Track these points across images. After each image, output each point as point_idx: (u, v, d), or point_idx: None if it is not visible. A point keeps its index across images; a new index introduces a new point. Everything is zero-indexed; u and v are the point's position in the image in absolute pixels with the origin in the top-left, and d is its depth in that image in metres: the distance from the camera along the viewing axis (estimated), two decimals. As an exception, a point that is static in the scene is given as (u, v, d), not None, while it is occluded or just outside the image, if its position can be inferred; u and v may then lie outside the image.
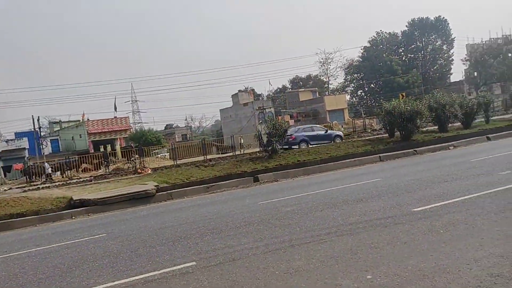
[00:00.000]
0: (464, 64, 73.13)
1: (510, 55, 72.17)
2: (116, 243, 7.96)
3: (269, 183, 15.78)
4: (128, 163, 24.88)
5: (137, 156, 24.99)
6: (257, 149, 23.20)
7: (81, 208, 13.78)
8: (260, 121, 45.94)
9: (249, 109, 52.91)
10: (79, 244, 8.42)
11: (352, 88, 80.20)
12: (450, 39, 75.27)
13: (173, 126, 74.44)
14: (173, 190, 15.36)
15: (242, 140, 28.66)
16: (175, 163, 21.81)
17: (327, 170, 17.03)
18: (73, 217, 13.26)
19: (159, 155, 32.57)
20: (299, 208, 8.91)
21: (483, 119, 24.78)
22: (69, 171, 25.31)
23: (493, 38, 78.97)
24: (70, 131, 48.87)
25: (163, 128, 70.94)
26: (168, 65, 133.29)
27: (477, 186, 8.43)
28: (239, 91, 63.17)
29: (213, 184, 15.92)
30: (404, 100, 23.22)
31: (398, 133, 21.27)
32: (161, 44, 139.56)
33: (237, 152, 24.45)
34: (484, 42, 74.90)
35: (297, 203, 9.73)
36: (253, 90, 73.52)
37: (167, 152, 30.14)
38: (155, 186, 15.25)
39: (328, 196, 10.09)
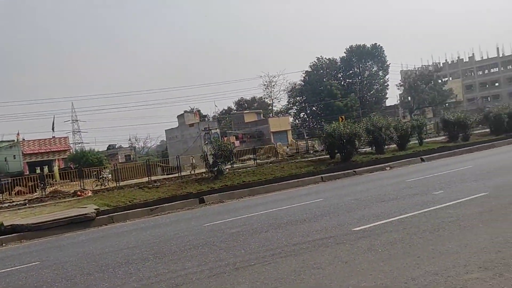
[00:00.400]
0: (398, 89, 77.73)
1: (439, 81, 77.65)
2: (50, 271, 7.51)
3: (215, 204, 15.67)
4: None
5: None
6: (203, 170, 23.04)
7: (13, 235, 12.87)
8: (206, 142, 45.70)
9: (195, 129, 52.60)
10: (9, 273, 7.84)
11: (295, 111, 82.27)
12: (385, 65, 79.73)
13: (116, 147, 72.14)
14: (115, 213, 14.79)
15: (194, 160, 28.26)
16: (118, 184, 21.10)
17: (272, 190, 17.21)
18: (3, 244, 12.36)
19: (101, 177, 31.31)
20: (244, 230, 8.92)
21: (416, 141, 26.24)
22: (0, 195, 23.66)
23: (425, 65, 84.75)
24: (3, 152, 45.89)
25: (106, 149, 68.52)
26: (111, 84, 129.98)
27: (413, 205, 8.87)
28: (185, 111, 62.68)
29: (157, 206, 15.53)
30: (343, 122, 24.14)
31: (339, 154, 22.00)
32: (108, 62, 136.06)
33: (184, 173, 24.13)
34: (416, 68, 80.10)
35: (242, 224, 9.73)
36: (199, 111, 73.29)
37: (110, 174, 29.13)
38: (95, 209, 14.62)
39: (273, 217, 10.18)
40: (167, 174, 27.16)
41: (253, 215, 10.99)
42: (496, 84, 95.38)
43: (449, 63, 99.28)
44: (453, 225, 6.61)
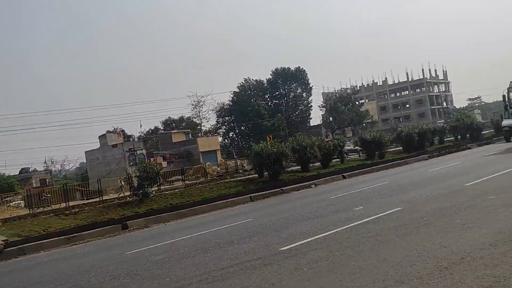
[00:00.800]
0: (321, 110, 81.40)
1: (357, 103, 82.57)
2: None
3: (139, 229, 15.10)
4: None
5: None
6: (128, 193, 22.17)
7: None
8: (131, 163, 44.17)
9: (118, 150, 50.61)
10: None
11: (224, 130, 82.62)
12: (308, 87, 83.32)
13: (30, 170, 67.15)
14: (27, 244, 13.66)
15: (123, 182, 26.72)
16: (31, 212, 19.59)
17: (201, 212, 16.99)
18: None
19: (11, 203, 28.89)
20: (170, 256, 8.66)
21: (338, 159, 27.45)
22: None
23: (343, 88, 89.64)
24: None
25: (18, 173, 63.49)
26: (26, 104, 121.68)
27: (336, 222, 9.19)
28: (108, 131, 60.25)
29: (75, 234, 14.60)
30: (271, 142, 24.66)
31: (267, 173, 22.35)
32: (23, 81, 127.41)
33: (106, 197, 23.03)
34: (336, 91, 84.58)
35: (168, 250, 9.45)
36: (123, 131, 70.87)
37: (22, 200, 26.98)
38: (3, 241, 13.40)
39: (201, 240, 10.02)
40: (86, 199, 25.77)
41: (180, 240, 10.74)
42: (407, 105, 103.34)
43: (365, 86, 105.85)
44: (372, 240, 6.94)
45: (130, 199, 19.76)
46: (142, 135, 74.41)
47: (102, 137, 54.21)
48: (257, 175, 23.55)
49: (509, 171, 13.17)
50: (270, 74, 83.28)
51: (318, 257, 6.48)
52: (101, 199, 21.50)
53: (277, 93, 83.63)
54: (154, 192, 20.48)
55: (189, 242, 10.03)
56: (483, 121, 56.40)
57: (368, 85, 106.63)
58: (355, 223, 8.69)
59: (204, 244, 9.37)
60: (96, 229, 15.20)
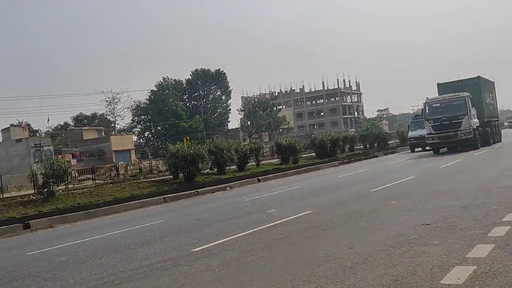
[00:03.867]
0: (239, 113, 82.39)
1: (275, 108, 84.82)
2: None
3: (43, 229, 14.08)
4: None
5: None
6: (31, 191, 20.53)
7: None
8: (37, 160, 41.07)
9: (23, 146, 46.81)
10: None
11: (140, 130, 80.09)
12: (228, 90, 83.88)
13: None
14: None
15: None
16: None
17: (112, 212, 16.27)
18: None
19: None
20: (76, 257, 8.19)
21: (254, 163, 27.93)
22: None
23: (262, 93, 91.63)
24: None
25: None
26: None
27: (249, 224, 9.33)
28: (12, 125, 55.48)
29: (-33, 234, 13.23)
30: (188, 143, 24.39)
31: (182, 174, 22.04)
32: None
33: (7, 195, 21.12)
34: (255, 96, 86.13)
35: (73, 251, 8.92)
36: (28, 125, 65.70)
37: None
38: None
39: (110, 241, 9.60)
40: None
41: (87, 240, 10.19)
42: (322, 113, 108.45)
43: (283, 92, 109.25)
44: (283, 242, 7.15)
45: (34, 198, 18.34)
46: (50, 130, 69.56)
47: (4, 131, 49.84)
48: (172, 176, 23.13)
49: (411, 178, 14.34)
50: (190, 75, 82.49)
51: (229, 258, 6.53)
52: (1, 197, 19.69)
53: (196, 94, 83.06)
54: (61, 191, 19.27)
55: (97, 243, 9.56)
56: (390, 131, 60.81)
57: (286, 91, 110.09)
58: (267, 225, 8.90)
59: (112, 245, 8.98)
60: (-7, 229, 13.90)
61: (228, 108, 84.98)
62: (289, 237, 7.46)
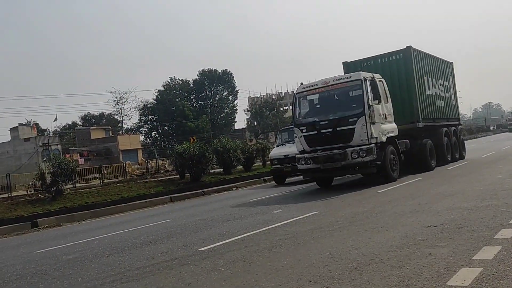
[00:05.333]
0: (246, 114, 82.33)
1: (281, 109, 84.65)
2: None
3: (51, 228, 14.22)
4: None
5: None
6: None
7: None
8: (45, 159, 41.48)
9: (31, 145, 47.33)
10: None
11: (147, 129, 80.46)
12: (234, 91, 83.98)
13: None
14: None
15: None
16: None
17: (119, 211, 16.41)
18: None
19: None
20: (83, 255, 8.26)
21: (260, 163, 27.94)
22: None
23: (269, 93, 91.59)
24: None
25: None
26: None
27: (255, 224, 9.35)
28: (20, 124, 56.03)
29: (-24, 232, 13.40)
30: (194, 143, 24.49)
31: (189, 174, 22.13)
32: None
33: (15, 194, 21.35)
34: (262, 96, 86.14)
35: (81, 249, 9.00)
36: (37, 124, 66.27)
37: None
38: None
39: (116, 240, 9.67)
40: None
41: (94, 239, 10.27)
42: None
43: (290, 93, 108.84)
44: (289, 242, 7.16)
45: (42, 196, 18.51)
46: (58, 129, 70.10)
47: (13, 130, 50.34)
48: (178, 176, 23.23)
49: (418, 180, 14.25)
50: (197, 75, 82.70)
51: (235, 258, 6.55)
52: (9, 195, 19.90)
53: (203, 94, 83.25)
54: (68, 189, 19.44)
55: (104, 242, 9.63)
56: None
57: (292, 91, 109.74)
58: (274, 225, 8.91)
59: (119, 244, 9.05)
60: (3, 227, 14.08)
61: (234, 108, 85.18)
62: (295, 238, 7.46)
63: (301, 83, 15.72)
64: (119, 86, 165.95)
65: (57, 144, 48.42)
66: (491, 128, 76.12)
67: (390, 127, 14.89)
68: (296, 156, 15.08)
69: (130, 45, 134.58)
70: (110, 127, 65.71)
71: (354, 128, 13.61)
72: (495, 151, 24.37)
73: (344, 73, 16.88)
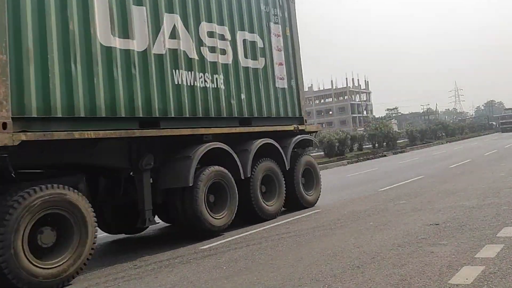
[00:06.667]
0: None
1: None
2: None
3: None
4: None
5: None
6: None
7: None
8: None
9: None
10: None
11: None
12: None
13: None
14: None
15: None
16: None
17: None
18: None
19: None
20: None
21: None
22: None
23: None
24: None
25: None
26: None
27: (257, 222, 9.32)
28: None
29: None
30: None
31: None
32: None
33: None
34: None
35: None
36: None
37: None
38: None
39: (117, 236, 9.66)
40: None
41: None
42: (330, 112, 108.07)
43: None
44: (291, 240, 7.15)
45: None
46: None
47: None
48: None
49: (420, 178, 14.23)
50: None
51: (237, 256, 6.55)
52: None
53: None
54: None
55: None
56: (399, 130, 60.47)
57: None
58: (275, 224, 8.90)
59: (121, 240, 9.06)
60: None
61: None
62: (297, 236, 7.46)
63: None
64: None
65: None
66: (493, 126, 76.13)
67: None
68: None
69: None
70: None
71: None
72: (497, 149, 24.37)
73: None
